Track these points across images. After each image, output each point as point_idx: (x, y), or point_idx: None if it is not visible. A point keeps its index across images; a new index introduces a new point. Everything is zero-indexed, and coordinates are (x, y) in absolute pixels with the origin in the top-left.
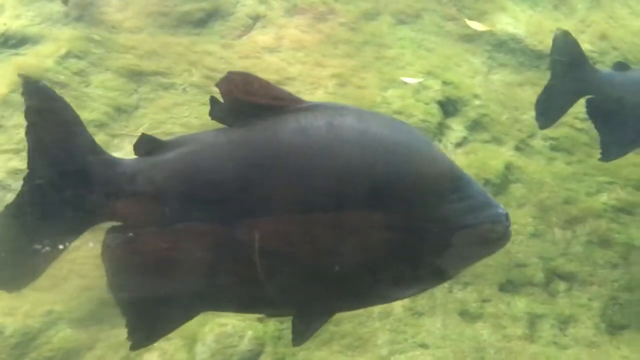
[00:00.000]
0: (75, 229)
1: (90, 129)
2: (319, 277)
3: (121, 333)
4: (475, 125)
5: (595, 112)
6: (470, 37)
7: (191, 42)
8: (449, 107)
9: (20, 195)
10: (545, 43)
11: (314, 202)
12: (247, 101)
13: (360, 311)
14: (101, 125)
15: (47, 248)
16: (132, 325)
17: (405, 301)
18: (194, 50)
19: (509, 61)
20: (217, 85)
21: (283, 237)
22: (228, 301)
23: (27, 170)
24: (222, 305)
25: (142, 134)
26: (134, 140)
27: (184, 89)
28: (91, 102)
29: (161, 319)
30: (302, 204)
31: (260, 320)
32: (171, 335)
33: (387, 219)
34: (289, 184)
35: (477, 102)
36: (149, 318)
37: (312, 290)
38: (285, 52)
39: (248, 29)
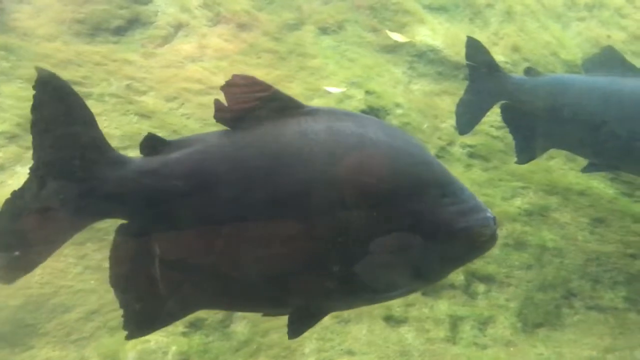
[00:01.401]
0: (79, 223)
1: (1, 141)
2: (315, 277)
3: (35, 355)
4: None
5: (509, 117)
6: (391, 48)
7: (109, 51)
8: (372, 116)
9: (25, 186)
10: (461, 54)
11: (314, 202)
12: (250, 104)
13: (286, 321)
14: (13, 137)
15: (49, 240)
16: (127, 317)
17: None
18: (112, 59)
19: (428, 71)
20: (221, 88)
21: (280, 237)
22: (225, 300)
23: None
24: (219, 304)
25: (148, 133)
26: None
27: (126, 86)
28: (2, 112)
29: (157, 313)
30: (303, 204)
31: (184, 334)
32: (89, 354)
33: (383, 220)
34: (289, 185)
35: (399, 111)
36: (146, 312)
37: (310, 290)
38: (208, 61)
39: (170, 37)
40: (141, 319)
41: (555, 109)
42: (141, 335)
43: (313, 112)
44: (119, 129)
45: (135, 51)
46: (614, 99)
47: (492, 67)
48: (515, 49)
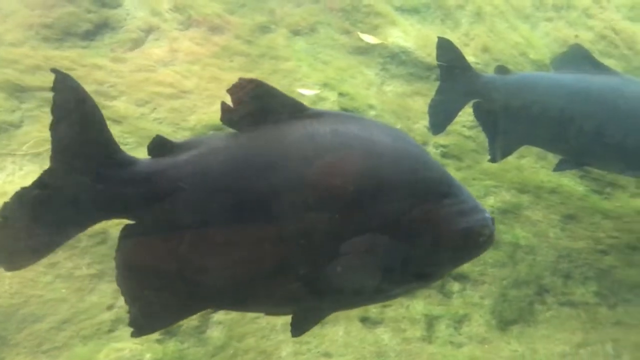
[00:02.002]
0: (86, 221)
1: None
2: (320, 276)
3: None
4: None
5: (481, 115)
6: (364, 50)
7: (78, 56)
8: None
9: (38, 180)
10: (433, 55)
11: (320, 203)
12: (256, 107)
13: (264, 324)
14: None
15: (55, 234)
16: (134, 315)
17: None
18: (82, 64)
19: (400, 73)
20: (228, 91)
21: (288, 237)
22: (230, 300)
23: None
24: (223, 304)
25: (157, 135)
26: (17, 159)
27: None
28: None
29: (163, 312)
30: (308, 205)
31: (159, 341)
32: None
33: (389, 221)
34: (296, 186)
35: (372, 112)
36: (152, 310)
37: (314, 290)
38: (180, 65)
39: (140, 41)
40: (148, 317)
41: (525, 107)
42: (147, 333)
43: (318, 115)
44: None
45: (104, 56)
46: (582, 95)
47: (463, 66)
48: (486, 49)
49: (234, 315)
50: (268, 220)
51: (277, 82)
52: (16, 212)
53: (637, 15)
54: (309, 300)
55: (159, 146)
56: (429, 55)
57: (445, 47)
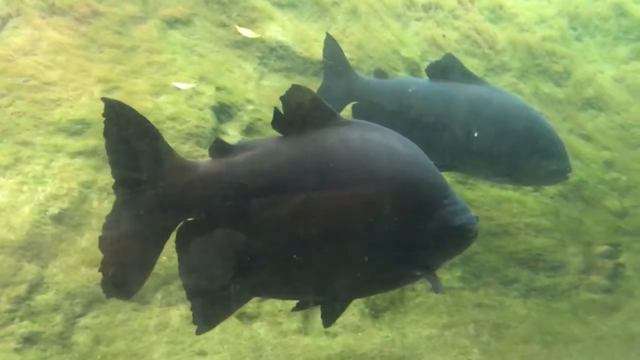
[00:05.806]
0: (167, 228)
1: None
2: (344, 267)
3: None
4: (250, 130)
5: (359, 118)
6: (242, 44)
7: None
8: (223, 112)
9: (115, 206)
10: (311, 51)
11: (351, 200)
12: (301, 113)
13: (135, 326)
14: None
15: (149, 249)
16: (197, 312)
17: (183, 311)
18: None
19: (278, 67)
20: (281, 98)
21: (317, 229)
22: (275, 288)
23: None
24: (270, 292)
25: (216, 138)
26: None
27: None
28: None
29: (221, 305)
30: (342, 201)
31: (17, 351)
32: None
33: (403, 217)
34: (333, 183)
35: (250, 107)
36: (211, 304)
37: (338, 279)
38: (42, 55)
39: None
40: (209, 311)
41: (401, 111)
42: (209, 329)
43: (347, 123)
44: None
45: None
46: (453, 103)
47: (345, 67)
48: (360, 46)
49: (102, 318)
50: (314, 213)
51: (150, 76)
52: (110, 239)
53: (497, 17)
54: (338, 288)
55: (219, 148)
56: (307, 50)
57: (330, 46)
